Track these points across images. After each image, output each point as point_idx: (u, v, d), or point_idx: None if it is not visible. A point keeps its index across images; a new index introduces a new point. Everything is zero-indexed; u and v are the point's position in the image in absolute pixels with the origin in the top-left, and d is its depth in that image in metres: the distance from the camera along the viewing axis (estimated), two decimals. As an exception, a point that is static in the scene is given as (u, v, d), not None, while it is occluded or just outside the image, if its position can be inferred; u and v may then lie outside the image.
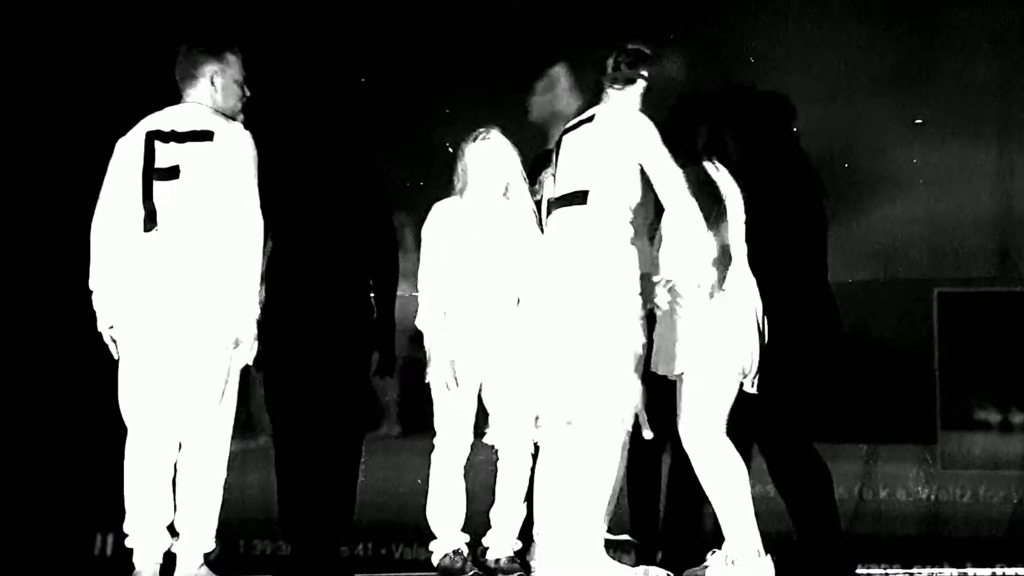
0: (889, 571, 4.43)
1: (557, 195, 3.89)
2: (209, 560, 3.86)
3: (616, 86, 3.91)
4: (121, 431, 4.58)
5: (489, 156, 4.22)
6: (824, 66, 4.72)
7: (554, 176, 3.98)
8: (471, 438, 4.20)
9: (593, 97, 3.98)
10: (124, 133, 3.89)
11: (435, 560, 4.18)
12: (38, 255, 4.68)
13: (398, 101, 4.80)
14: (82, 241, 4.56)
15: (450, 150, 4.62)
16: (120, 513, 4.60)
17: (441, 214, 4.28)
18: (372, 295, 4.58)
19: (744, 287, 3.90)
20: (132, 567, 3.79)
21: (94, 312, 3.87)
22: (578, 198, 3.80)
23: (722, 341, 3.82)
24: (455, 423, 4.18)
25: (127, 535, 3.81)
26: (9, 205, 4.72)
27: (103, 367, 4.22)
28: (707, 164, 3.97)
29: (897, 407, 4.62)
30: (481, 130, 4.25)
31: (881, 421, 4.63)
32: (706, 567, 3.86)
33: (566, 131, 3.97)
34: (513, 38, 4.88)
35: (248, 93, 3.99)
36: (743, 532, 3.79)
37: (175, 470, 3.83)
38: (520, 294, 4.12)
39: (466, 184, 4.25)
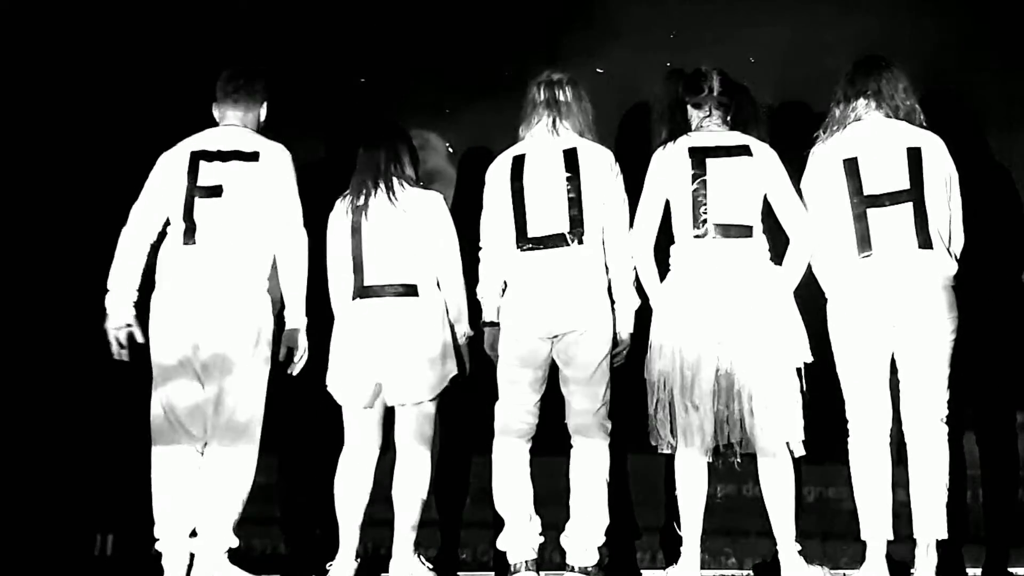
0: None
1: (720, 222, 3.85)
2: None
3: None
4: (121, 432, 4.60)
5: None
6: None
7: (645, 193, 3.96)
8: (533, 419, 3.96)
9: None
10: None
11: (510, 559, 3.95)
12: (39, 256, 4.68)
13: (398, 101, 4.82)
14: (87, 243, 4.57)
15: (450, 150, 4.62)
16: (119, 515, 4.62)
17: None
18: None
19: None
20: (137, 568, 3.82)
21: (100, 310, 3.91)
22: (744, 231, 3.87)
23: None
24: (512, 398, 3.95)
25: (157, 539, 3.87)
26: (8, 204, 4.72)
27: (103, 368, 4.23)
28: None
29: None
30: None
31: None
32: None
33: (707, 153, 3.89)
34: (513, 37, 4.91)
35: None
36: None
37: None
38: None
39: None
